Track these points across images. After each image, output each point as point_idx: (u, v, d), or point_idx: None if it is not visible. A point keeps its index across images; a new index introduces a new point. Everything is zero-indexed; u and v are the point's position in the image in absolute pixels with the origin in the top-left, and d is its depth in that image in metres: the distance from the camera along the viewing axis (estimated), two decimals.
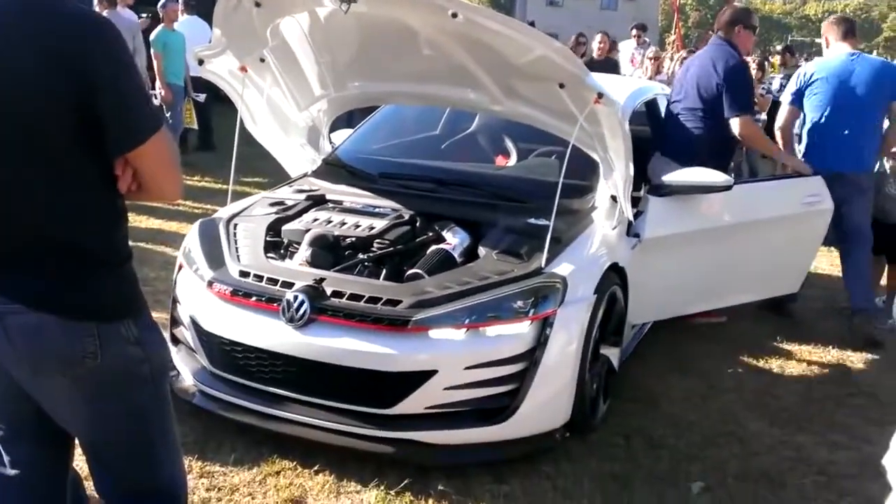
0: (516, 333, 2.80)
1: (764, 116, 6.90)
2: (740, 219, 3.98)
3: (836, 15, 5.29)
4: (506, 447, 2.87)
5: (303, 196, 3.62)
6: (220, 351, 2.97)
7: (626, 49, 9.93)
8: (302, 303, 2.79)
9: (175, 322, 3.24)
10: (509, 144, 4.14)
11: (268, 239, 3.27)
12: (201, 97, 8.37)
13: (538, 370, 2.79)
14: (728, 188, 3.69)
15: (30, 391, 1.68)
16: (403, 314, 2.75)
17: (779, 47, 16.89)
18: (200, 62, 3.53)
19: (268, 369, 2.87)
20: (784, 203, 4.15)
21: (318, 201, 3.56)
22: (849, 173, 4.38)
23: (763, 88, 8.13)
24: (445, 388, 2.75)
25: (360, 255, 3.14)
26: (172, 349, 3.19)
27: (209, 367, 3.03)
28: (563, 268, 2.99)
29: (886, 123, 4.58)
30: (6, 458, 1.78)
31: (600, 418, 3.25)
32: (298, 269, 3.05)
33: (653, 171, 3.90)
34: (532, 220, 3.25)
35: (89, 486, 1.93)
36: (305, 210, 3.47)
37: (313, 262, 3.07)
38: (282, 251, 3.27)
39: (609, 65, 8.35)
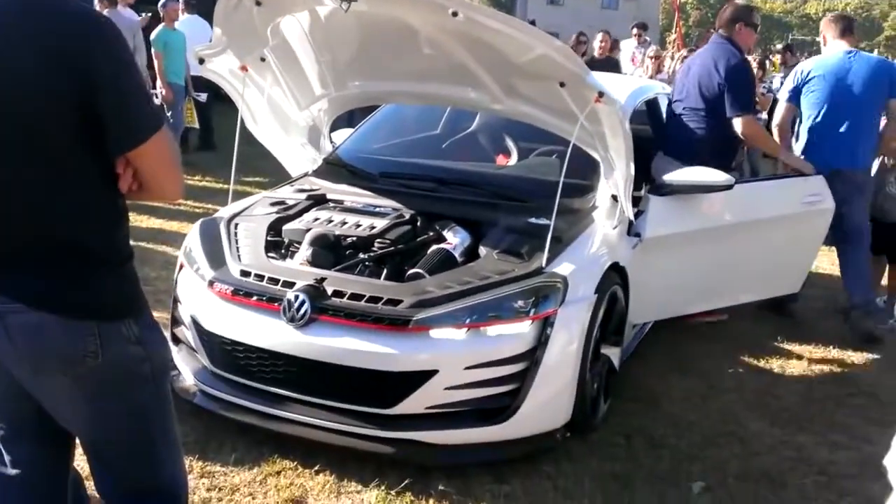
0: (517, 333, 2.80)
1: (765, 115, 6.90)
2: (741, 218, 3.98)
3: (834, 13, 5.29)
4: (506, 447, 2.87)
5: (303, 195, 3.62)
6: (221, 350, 2.97)
7: (627, 48, 9.94)
8: (303, 302, 2.79)
9: (176, 321, 3.24)
10: (510, 144, 4.13)
11: (269, 238, 3.27)
12: (202, 96, 8.37)
13: (539, 370, 2.78)
14: (729, 187, 3.69)
15: (30, 390, 1.68)
16: (404, 314, 2.75)
17: (779, 46, 16.90)
18: (201, 61, 3.53)
19: (268, 369, 2.87)
20: (785, 202, 4.15)
21: (318, 201, 3.56)
22: (846, 170, 4.38)
23: (764, 87, 8.13)
24: (446, 388, 2.75)
25: (361, 255, 3.14)
26: (173, 349, 3.19)
27: (210, 367, 3.03)
28: (563, 267, 2.98)
29: (883, 122, 4.57)
30: (7, 458, 1.78)
31: (601, 418, 3.25)
32: (299, 268, 3.05)
33: (656, 171, 3.90)
34: (533, 220, 3.25)
35: (90, 486, 1.93)
36: (306, 209, 3.47)
37: (314, 262, 3.07)
38: (283, 251, 3.27)
39: (610, 64, 8.35)
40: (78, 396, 1.66)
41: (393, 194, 3.57)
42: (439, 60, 3.34)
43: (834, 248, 4.92)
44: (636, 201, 3.57)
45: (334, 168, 4.01)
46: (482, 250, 3.15)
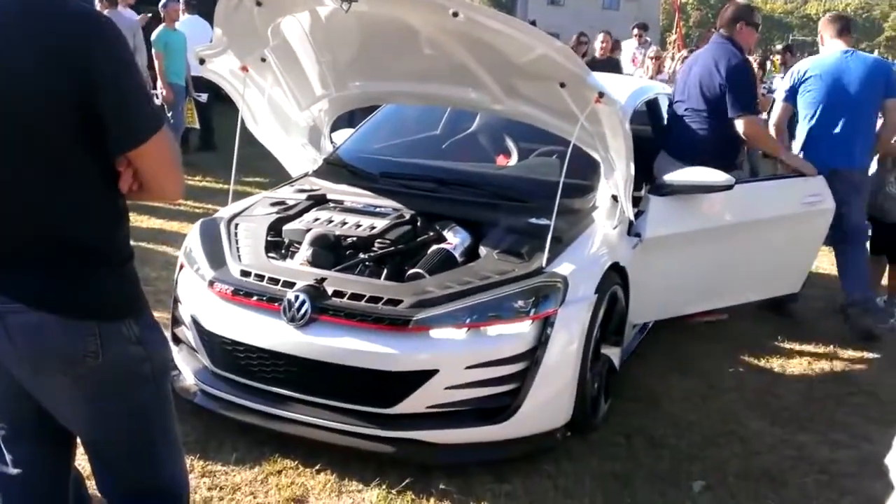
0: (517, 333, 2.80)
1: (765, 116, 6.89)
2: (741, 218, 3.98)
3: (832, 13, 5.29)
4: (507, 446, 2.87)
5: (304, 196, 3.62)
6: (222, 350, 2.97)
7: (628, 48, 9.95)
8: (303, 302, 2.79)
9: (176, 321, 3.24)
10: (510, 144, 4.13)
11: (269, 238, 3.27)
12: (203, 97, 8.38)
13: (539, 370, 2.79)
14: (729, 188, 3.69)
15: (31, 390, 1.68)
16: (404, 314, 2.76)
17: (780, 47, 16.89)
18: (202, 61, 3.53)
19: (269, 369, 2.87)
20: (785, 202, 4.15)
21: (319, 201, 3.56)
22: (843, 170, 4.38)
23: (764, 88, 8.14)
24: (446, 388, 2.75)
25: (361, 255, 3.14)
26: (174, 348, 3.19)
27: (210, 367, 3.03)
28: (563, 267, 2.98)
29: (880, 122, 4.57)
30: (8, 458, 1.78)
31: (601, 418, 3.25)
32: (299, 268, 3.05)
33: (658, 171, 3.90)
34: (533, 220, 3.25)
35: (91, 486, 1.94)
36: (306, 210, 3.48)
37: (314, 262, 3.08)
38: (283, 251, 3.27)
39: (611, 64, 8.35)
40: (78, 396, 1.66)
41: (393, 194, 3.58)
42: (440, 61, 3.35)
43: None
44: (636, 201, 3.57)
45: (335, 168, 4.01)
46: (482, 250, 3.15)
